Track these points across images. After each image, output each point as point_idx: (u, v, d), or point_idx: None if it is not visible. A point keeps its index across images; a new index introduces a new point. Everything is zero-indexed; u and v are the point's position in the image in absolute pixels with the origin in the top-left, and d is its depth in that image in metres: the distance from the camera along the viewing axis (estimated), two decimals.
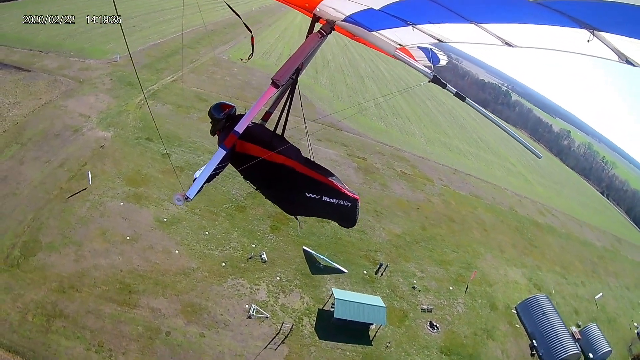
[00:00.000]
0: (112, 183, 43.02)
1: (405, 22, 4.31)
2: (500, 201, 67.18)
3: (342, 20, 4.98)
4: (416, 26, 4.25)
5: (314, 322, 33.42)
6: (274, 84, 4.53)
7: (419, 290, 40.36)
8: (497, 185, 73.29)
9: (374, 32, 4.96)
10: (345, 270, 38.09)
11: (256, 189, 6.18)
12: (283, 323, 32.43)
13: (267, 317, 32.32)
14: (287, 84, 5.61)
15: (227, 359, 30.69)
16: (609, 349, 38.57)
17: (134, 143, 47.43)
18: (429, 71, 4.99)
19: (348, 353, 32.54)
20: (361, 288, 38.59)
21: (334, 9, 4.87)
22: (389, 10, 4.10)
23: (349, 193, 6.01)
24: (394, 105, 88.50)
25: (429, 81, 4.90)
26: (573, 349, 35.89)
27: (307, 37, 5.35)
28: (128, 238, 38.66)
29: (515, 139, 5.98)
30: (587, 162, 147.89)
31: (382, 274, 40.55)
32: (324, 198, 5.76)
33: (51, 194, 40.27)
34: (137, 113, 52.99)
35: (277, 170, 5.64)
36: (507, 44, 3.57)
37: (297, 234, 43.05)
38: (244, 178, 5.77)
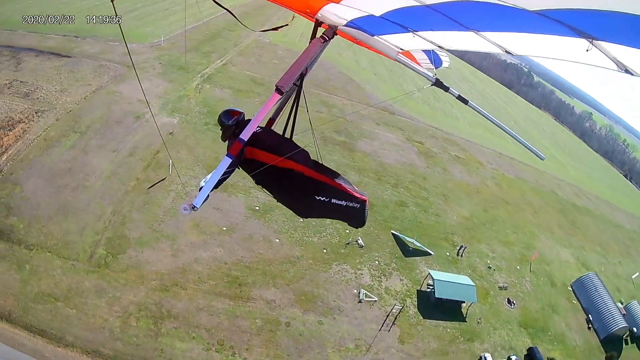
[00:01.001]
0: (192, 171, 38.60)
1: (406, 29, 4.24)
2: (542, 184, 68.00)
3: (344, 25, 4.92)
4: (417, 33, 4.15)
5: (416, 303, 34.28)
6: (278, 90, 4.48)
7: (494, 270, 41.26)
8: (537, 168, 73.48)
9: (375, 37, 4.82)
10: (432, 253, 38.98)
11: (269, 194, 5.98)
12: (395, 305, 33.04)
13: (375, 301, 32.78)
14: (291, 89, 5.54)
15: (348, 343, 30.36)
16: None
17: (204, 129, 43.14)
18: (431, 75, 4.87)
19: (449, 330, 33.58)
20: (447, 269, 38.53)
21: (336, 14, 4.84)
22: (389, 17, 4.04)
23: (357, 195, 5.80)
24: (432, 87, 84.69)
25: (431, 85, 4.88)
26: (622, 323, 39.22)
27: (310, 42, 5.30)
28: (224, 228, 35.17)
29: (517, 140, 6.07)
30: (609, 145, 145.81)
31: (461, 255, 41.10)
32: (333, 200, 5.58)
33: (128, 184, 35.69)
34: (198, 98, 48.68)
35: (286, 175, 5.41)
36: (507, 52, 3.52)
37: (383, 219, 41.82)
38: (255, 183, 5.70)
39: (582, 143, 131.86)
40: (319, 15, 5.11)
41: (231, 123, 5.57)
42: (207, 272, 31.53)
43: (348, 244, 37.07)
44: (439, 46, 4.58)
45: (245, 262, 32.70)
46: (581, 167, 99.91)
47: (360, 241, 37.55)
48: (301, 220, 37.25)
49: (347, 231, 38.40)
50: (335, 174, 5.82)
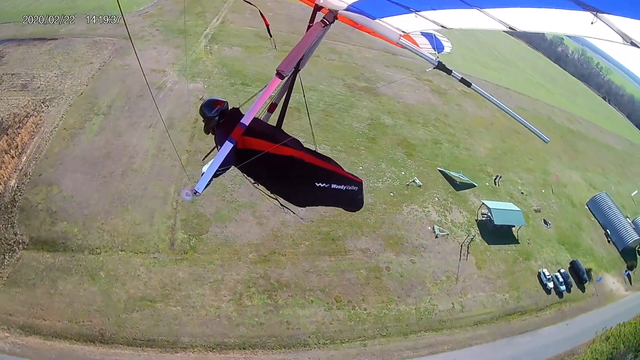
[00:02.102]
0: None
1: (407, 9, 4.03)
2: (539, 111, 68.90)
3: (344, 9, 4.66)
4: (419, 13, 3.95)
5: (478, 231, 35.47)
6: (279, 74, 4.29)
7: (526, 195, 43.38)
8: (531, 97, 74.17)
9: (376, 20, 4.60)
10: (476, 184, 39.94)
11: (255, 184, 5.51)
12: (468, 236, 34.33)
13: (448, 234, 33.96)
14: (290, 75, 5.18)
15: (441, 276, 31.13)
16: None
17: (232, 89, 38.59)
18: (434, 58, 4.71)
19: (509, 252, 35.48)
20: (490, 197, 39.44)
21: None
22: None
23: (353, 177, 5.55)
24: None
25: (434, 67, 4.71)
26: (635, 235, 43.29)
27: (308, 27, 5.07)
28: None
29: (523, 124, 6.03)
30: (584, 69, 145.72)
31: (498, 184, 42.43)
32: (333, 185, 5.28)
33: (180, 159, 31.02)
34: (213, 59, 43.82)
35: (286, 163, 5.05)
36: (511, 28, 3.40)
37: (427, 157, 41.76)
38: (245, 175, 5.17)
39: (559, 68, 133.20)
40: None
41: (214, 114, 5.06)
42: (298, 234, 29.54)
43: (408, 185, 36.82)
44: (441, 25, 4.20)
45: (328, 217, 30.80)
46: (564, 92, 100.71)
47: (417, 181, 37.47)
48: (360, 167, 36.44)
49: (403, 173, 38.05)
50: (330, 160, 5.48)
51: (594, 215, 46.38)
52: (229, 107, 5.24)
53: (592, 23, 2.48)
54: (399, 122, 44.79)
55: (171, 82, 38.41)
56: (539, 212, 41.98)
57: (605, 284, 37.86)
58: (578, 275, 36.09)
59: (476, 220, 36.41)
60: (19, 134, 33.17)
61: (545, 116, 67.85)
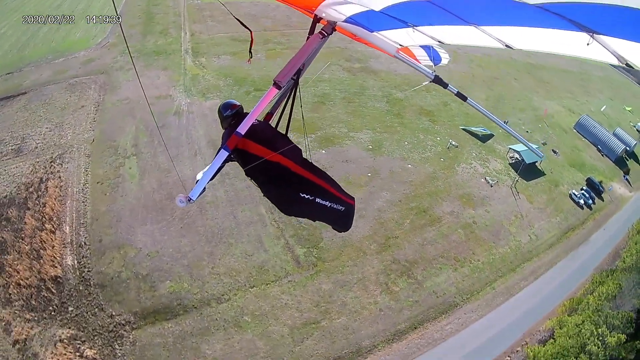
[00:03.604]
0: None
1: (405, 24, 4.03)
2: (500, 53, 69.54)
3: (343, 21, 4.59)
4: (416, 28, 3.99)
5: (512, 173, 37.92)
6: (276, 85, 4.24)
7: (530, 132, 46.25)
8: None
9: (374, 33, 4.64)
10: (494, 133, 42.28)
11: (257, 186, 5.69)
12: (515, 180, 36.75)
13: (497, 182, 36.11)
14: (288, 85, 5.31)
15: (511, 217, 33.24)
16: (635, 141, 51.55)
17: (250, 98, 36.01)
18: (430, 71, 4.74)
19: (542, 184, 38.59)
20: (508, 142, 41.98)
21: (335, 9, 4.58)
22: (389, 11, 3.87)
23: (343, 197, 5.58)
24: None
25: (430, 81, 4.74)
26: (621, 145, 48.36)
27: (307, 38, 5.06)
28: (369, 175, 32.66)
29: (516, 137, 6.29)
30: None
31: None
32: (317, 200, 5.31)
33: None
34: (211, 72, 39.95)
35: (273, 169, 5.17)
36: (507, 46, 3.37)
37: (447, 119, 43.22)
38: (245, 174, 5.30)
39: None
40: (318, 10, 4.80)
41: (228, 114, 5.34)
42: (396, 215, 29.58)
43: (449, 148, 38.12)
44: (438, 41, 4.28)
45: (410, 193, 31.48)
46: None
47: (453, 142, 38.87)
48: (405, 142, 37.06)
49: (438, 138, 39.28)
50: (324, 175, 5.46)
51: (583, 136, 50.66)
52: (244, 111, 5.40)
53: (587, 44, 2.53)
54: (407, 93, 45.43)
55: (185, 104, 34.22)
56: (546, 144, 45.29)
57: (615, 191, 42.79)
58: (595, 189, 40.88)
59: (509, 163, 39.20)
60: (44, 204, 27.25)
61: (507, 57, 68.53)
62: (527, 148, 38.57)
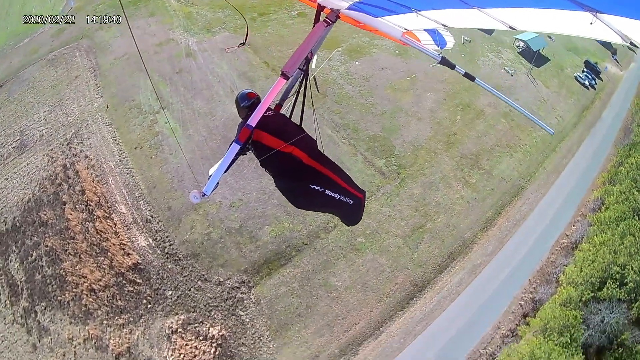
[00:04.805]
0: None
1: (409, 9, 3.85)
2: None
3: (346, 9, 4.45)
4: (420, 12, 3.78)
5: (524, 61, 37.77)
6: (284, 75, 4.18)
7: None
8: None
9: (378, 18, 4.33)
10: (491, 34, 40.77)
11: (272, 177, 5.24)
12: (530, 68, 36.75)
13: (515, 72, 36.06)
14: (297, 75, 5.20)
15: (536, 102, 32.86)
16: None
17: (259, 24, 31.62)
18: (437, 53, 4.43)
19: (550, 69, 38.52)
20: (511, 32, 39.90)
21: None
22: None
23: (353, 191, 5.29)
24: None
25: (438, 63, 4.38)
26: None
27: (313, 26, 4.75)
28: (408, 78, 30.54)
29: (526, 115, 6.43)
30: None
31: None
32: (327, 192, 5.02)
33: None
34: (201, 6, 35.49)
35: (286, 160, 4.87)
36: (511, 28, 3.23)
37: None
38: (260, 165, 4.91)
39: None
40: None
41: (245, 105, 5.01)
42: (447, 113, 28.81)
43: (464, 43, 36.54)
44: (442, 24, 3.95)
45: (449, 91, 30.52)
46: None
47: (466, 37, 37.58)
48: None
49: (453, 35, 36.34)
50: (336, 167, 5.22)
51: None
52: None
53: (591, 23, 2.34)
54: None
55: (193, 43, 28.62)
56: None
57: (610, 71, 43.44)
58: (594, 70, 41.88)
59: (518, 52, 38.95)
60: (81, 191, 22.00)
61: None
62: (531, 36, 39.14)
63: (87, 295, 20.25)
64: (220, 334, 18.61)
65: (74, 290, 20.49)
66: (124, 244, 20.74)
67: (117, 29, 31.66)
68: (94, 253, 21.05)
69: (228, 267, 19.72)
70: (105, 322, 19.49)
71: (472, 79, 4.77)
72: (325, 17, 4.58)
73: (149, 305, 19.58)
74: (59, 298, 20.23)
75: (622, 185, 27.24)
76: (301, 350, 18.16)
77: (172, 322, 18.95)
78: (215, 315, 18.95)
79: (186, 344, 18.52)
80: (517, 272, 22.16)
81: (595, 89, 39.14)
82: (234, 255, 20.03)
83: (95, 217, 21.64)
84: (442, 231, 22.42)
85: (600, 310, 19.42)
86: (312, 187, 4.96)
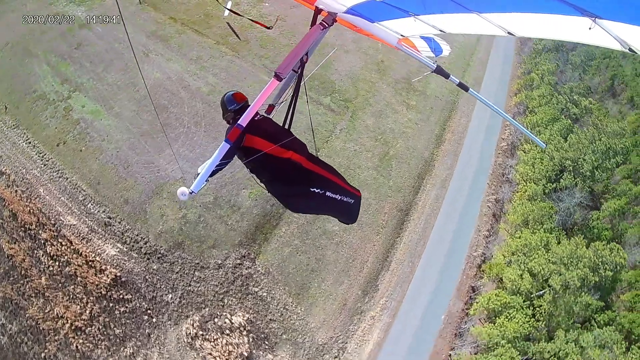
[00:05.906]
0: None
1: (406, 13, 3.83)
2: None
3: (343, 12, 4.35)
4: (418, 17, 3.76)
5: None
6: (277, 76, 4.07)
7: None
8: None
9: (375, 23, 4.36)
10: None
11: (262, 183, 5.14)
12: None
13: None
14: (291, 77, 5.08)
15: None
16: None
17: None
18: (432, 62, 4.41)
19: None
20: None
21: (336, 0, 4.31)
22: (390, 1, 3.73)
23: (351, 189, 5.31)
24: None
25: (432, 72, 4.40)
26: None
27: (310, 28, 4.72)
28: None
29: (519, 128, 7.95)
30: None
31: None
32: (328, 193, 4.98)
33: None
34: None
35: (284, 165, 4.76)
36: (510, 34, 3.26)
37: None
38: (249, 172, 4.94)
39: None
40: (319, 2, 4.51)
41: (233, 108, 4.86)
42: (371, 42, 28.11)
43: None
44: (440, 30, 4.00)
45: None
46: None
47: None
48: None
49: None
50: (331, 168, 5.21)
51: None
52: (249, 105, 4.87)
53: (590, 29, 2.35)
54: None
55: (82, 12, 25.19)
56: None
57: None
58: None
59: None
60: (11, 215, 18.30)
61: None
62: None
63: (73, 337, 17.17)
64: (245, 319, 16.98)
65: (55, 338, 17.24)
66: (91, 261, 17.53)
67: None
68: (59, 285, 17.64)
69: (221, 246, 17.79)
70: (111, 358, 16.80)
71: (465, 89, 4.70)
72: (322, 20, 4.49)
73: (153, 320, 17.17)
74: (41, 355, 16.93)
75: (540, 90, 29.43)
76: (329, 304, 17.84)
77: (187, 328, 16.89)
78: (230, 302, 17.26)
79: (215, 345, 16.61)
80: (478, 177, 24.50)
81: None
82: (222, 231, 17.98)
83: (42, 241, 17.86)
84: (404, 155, 23.67)
85: (563, 198, 22.99)
86: (313, 190, 4.84)
